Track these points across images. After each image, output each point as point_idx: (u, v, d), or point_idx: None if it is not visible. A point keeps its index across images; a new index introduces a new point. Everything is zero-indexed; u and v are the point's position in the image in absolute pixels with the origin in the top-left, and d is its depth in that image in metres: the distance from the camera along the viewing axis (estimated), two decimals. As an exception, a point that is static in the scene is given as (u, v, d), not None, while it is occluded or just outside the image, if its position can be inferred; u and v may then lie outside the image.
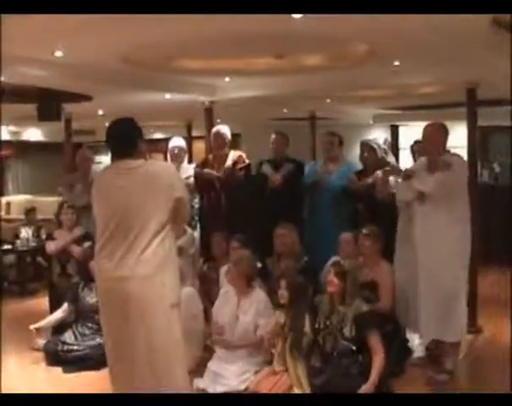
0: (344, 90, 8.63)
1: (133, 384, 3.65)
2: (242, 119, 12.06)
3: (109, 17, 4.12)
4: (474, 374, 5.61)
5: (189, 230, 6.68)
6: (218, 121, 8.42)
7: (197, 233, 7.04)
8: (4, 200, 13.61)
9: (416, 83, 7.95)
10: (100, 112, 10.07)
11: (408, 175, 5.37)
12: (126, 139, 3.81)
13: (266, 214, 6.61)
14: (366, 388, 4.41)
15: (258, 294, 5.38)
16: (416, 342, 5.80)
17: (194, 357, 5.38)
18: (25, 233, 9.48)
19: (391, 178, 5.93)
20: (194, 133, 12.09)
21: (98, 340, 5.61)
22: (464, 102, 6.96)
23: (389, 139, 9.05)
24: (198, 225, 7.11)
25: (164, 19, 4.27)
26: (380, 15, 4.10)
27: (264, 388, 4.75)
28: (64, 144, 9.52)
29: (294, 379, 4.81)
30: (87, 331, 6.01)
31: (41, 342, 6.14)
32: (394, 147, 12.25)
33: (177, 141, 7.42)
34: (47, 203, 10.88)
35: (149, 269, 3.61)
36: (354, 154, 7.52)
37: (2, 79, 5.97)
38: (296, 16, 4.37)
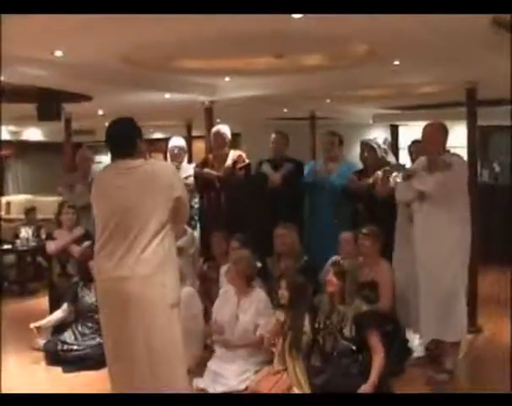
0: (344, 90, 8.63)
1: (132, 384, 3.65)
2: (242, 119, 12.06)
3: (109, 17, 4.12)
4: (474, 373, 5.61)
5: (189, 230, 6.68)
6: (218, 121, 8.42)
7: (197, 233, 7.04)
8: (4, 199, 13.61)
9: (415, 82, 7.95)
10: (100, 112, 10.07)
11: (408, 175, 5.37)
12: (125, 138, 3.81)
13: (266, 214, 6.61)
14: (366, 388, 4.41)
15: (258, 294, 5.38)
16: (416, 341, 5.80)
17: (194, 357, 5.38)
18: (25, 232, 9.48)
19: (391, 178, 5.92)
20: (194, 132, 12.09)
21: (98, 340, 5.62)
22: (464, 102, 6.96)
23: (389, 138, 9.04)
24: (198, 225, 7.11)
25: (164, 19, 4.27)
26: (380, 15, 4.10)
27: (264, 388, 4.75)
28: (64, 144, 9.52)
29: (293, 378, 4.82)
30: (87, 331, 6.01)
31: (41, 341, 6.14)
32: (394, 147, 12.24)
33: (177, 141, 7.41)
34: (47, 203, 10.89)
35: (149, 269, 3.60)
36: (354, 153, 7.52)
37: (2, 78, 5.96)
38: (296, 16, 4.38)
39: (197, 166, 7.10)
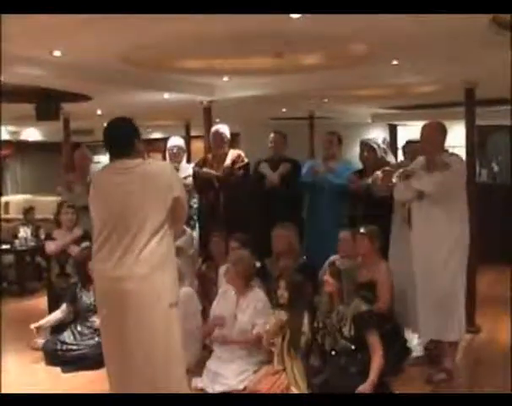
0: (342, 90, 8.63)
1: (131, 384, 3.65)
2: (241, 119, 12.06)
3: (107, 17, 4.12)
4: (473, 373, 5.60)
5: (188, 230, 6.68)
6: (217, 120, 8.42)
7: (196, 233, 7.04)
8: (3, 199, 13.60)
9: (414, 82, 7.95)
10: (99, 112, 10.08)
11: (407, 175, 5.37)
12: (123, 138, 3.80)
13: (265, 213, 6.62)
14: (365, 387, 4.40)
15: (257, 294, 5.38)
16: (414, 341, 5.80)
17: (193, 356, 5.38)
18: (24, 232, 9.48)
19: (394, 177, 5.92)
20: (193, 132, 12.09)
21: (97, 339, 5.62)
22: (462, 102, 6.97)
23: (388, 138, 9.05)
24: (197, 225, 7.11)
25: (163, 19, 4.27)
26: (378, 15, 4.10)
27: (263, 388, 4.75)
28: (63, 143, 9.53)
29: (291, 378, 4.82)
30: (86, 331, 6.01)
31: (40, 341, 6.15)
32: (393, 146, 12.25)
33: (176, 141, 7.41)
34: (46, 202, 10.88)
35: (148, 269, 3.60)
36: (353, 153, 7.52)
37: (2, 78, 5.96)
38: (295, 16, 4.38)
39: (196, 165, 7.09)
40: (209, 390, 5.00)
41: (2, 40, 4.46)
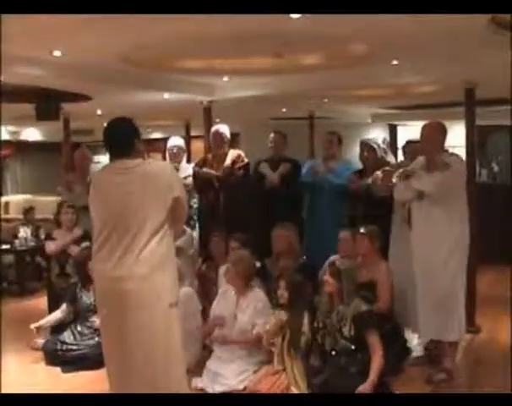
0: (342, 90, 8.63)
1: (131, 384, 3.65)
2: (241, 119, 12.06)
3: (107, 17, 4.12)
4: (473, 373, 5.60)
5: (188, 230, 6.68)
6: (217, 120, 8.42)
7: (196, 233, 7.04)
8: (3, 199, 13.60)
9: (414, 82, 7.95)
10: (99, 112, 10.08)
11: (407, 175, 5.37)
12: (123, 138, 3.80)
13: (265, 213, 6.61)
14: (364, 388, 4.40)
15: (257, 294, 5.38)
16: (414, 341, 5.80)
17: (193, 356, 5.38)
18: (24, 232, 9.48)
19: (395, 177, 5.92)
20: (193, 132, 12.09)
21: (97, 339, 5.61)
22: (462, 102, 6.97)
23: (388, 138, 9.05)
24: (197, 225, 7.11)
25: (162, 19, 4.27)
26: (378, 15, 4.10)
27: (263, 388, 4.75)
28: (63, 143, 9.53)
29: (291, 378, 4.82)
30: (86, 331, 6.00)
31: (40, 341, 6.15)
32: (393, 146, 12.25)
33: (176, 141, 7.41)
34: (46, 202, 10.88)
35: (148, 269, 3.60)
36: (353, 153, 7.52)
37: (2, 78, 5.96)
38: (295, 16, 4.38)
39: (196, 165, 7.09)
40: (209, 390, 5.01)
41: (2, 40, 4.46)
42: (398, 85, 8.24)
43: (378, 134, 9.96)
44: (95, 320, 5.75)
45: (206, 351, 5.58)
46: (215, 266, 6.32)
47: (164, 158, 8.21)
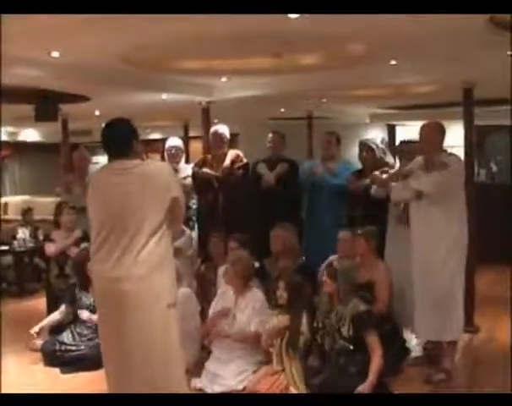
0: (341, 90, 8.63)
1: (129, 384, 3.65)
2: (240, 119, 12.07)
3: (106, 17, 4.12)
4: (472, 373, 5.61)
5: (187, 231, 6.67)
6: (215, 121, 8.42)
7: (195, 234, 7.04)
8: (1, 200, 13.60)
9: (413, 82, 7.96)
10: (97, 113, 10.07)
11: (405, 175, 5.37)
12: (121, 139, 3.80)
13: (263, 214, 6.60)
14: (363, 388, 4.40)
15: (256, 294, 5.37)
16: (413, 341, 5.80)
17: (192, 357, 5.38)
18: (22, 233, 9.47)
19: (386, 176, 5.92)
20: (191, 133, 12.08)
21: (96, 340, 5.59)
22: (460, 102, 6.97)
23: (386, 138, 9.04)
24: (196, 226, 7.10)
25: (160, 19, 4.27)
26: (377, 15, 4.10)
27: (262, 388, 4.75)
28: (61, 144, 9.52)
29: (290, 379, 4.82)
30: (85, 332, 5.99)
31: (39, 342, 6.14)
32: (391, 146, 12.23)
33: (174, 141, 7.40)
34: (44, 203, 10.88)
35: (146, 269, 3.60)
36: (351, 153, 7.52)
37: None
38: (293, 16, 4.38)
39: (195, 165, 7.09)
40: (208, 390, 5.00)
41: (1, 40, 4.46)
42: (396, 85, 8.25)
43: (376, 135, 9.94)
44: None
45: (205, 352, 5.58)
46: (213, 267, 6.32)
47: (162, 159, 8.20)
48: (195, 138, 11.80)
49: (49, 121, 7.99)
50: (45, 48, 5.41)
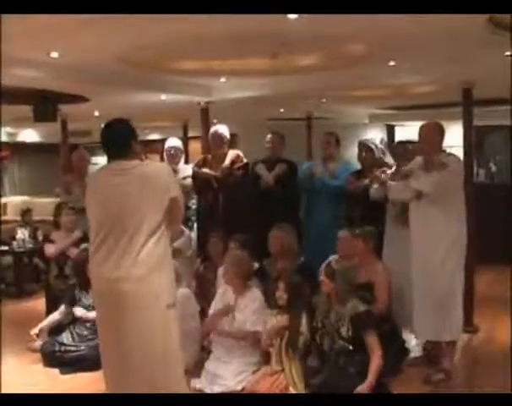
0: (340, 90, 8.63)
1: (129, 384, 3.65)
2: (239, 119, 12.06)
3: (105, 18, 4.12)
4: (471, 373, 5.61)
5: (187, 231, 6.67)
6: (214, 121, 8.42)
7: (194, 234, 7.03)
8: (1, 201, 13.58)
9: (412, 82, 7.95)
10: (96, 114, 10.07)
11: (405, 175, 5.37)
12: (120, 140, 3.81)
13: (262, 214, 6.60)
14: (363, 388, 4.40)
15: (255, 294, 5.37)
16: (413, 341, 5.79)
17: (191, 357, 5.38)
18: (22, 234, 9.46)
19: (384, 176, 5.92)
20: (190, 133, 12.07)
21: (95, 341, 5.57)
22: (460, 102, 6.97)
23: (386, 138, 9.04)
24: (195, 226, 7.10)
25: (159, 20, 4.27)
26: (376, 15, 4.10)
27: (262, 388, 4.75)
28: (60, 145, 9.52)
29: (289, 378, 4.82)
30: (85, 332, 5.99)
31: (38, 343, 6.14)
32: (391, 147, 12.23)
33: (174, 142, 7.40)
34: (44, 204, 10.88)
35: (145, 270, 3.61)
36: (350, 154, 7.52)
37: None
38: (292, 16, 4.38)
39: (195, 165, 7.08)
40: (208, 391, 5.00)
41: (1, 41, 4.46)
42: (396, 86, 8.25)
43: (375, 135, 9.98)
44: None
45: (204, 352, 5.58)
46: (213, 267, 6.31)
47: (162, 159, 8.21)
48: (194, 138, 11.79)
49: (48, 121, 7.99)
50: (44, 48, 5.41)
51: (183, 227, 6.40)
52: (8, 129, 13.52)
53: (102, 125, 3.92)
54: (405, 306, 5.52)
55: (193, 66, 6.63)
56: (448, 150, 5.39)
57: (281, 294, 5.06)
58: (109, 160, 3.89)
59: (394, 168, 5.96)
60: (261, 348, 5.16)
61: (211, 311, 5.48)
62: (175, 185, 3.87)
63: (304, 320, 4.98)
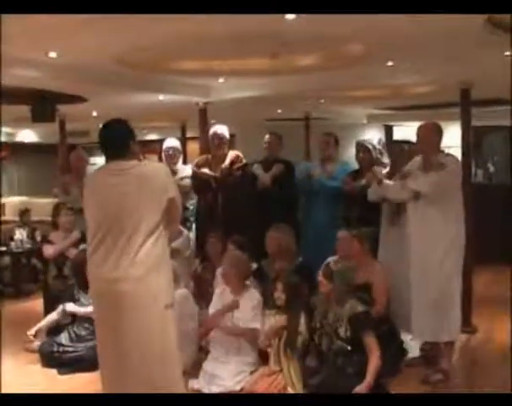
0: (338, 90, 8.64)
1: (127, 385, 3.65)
2: (237, 120, 12.05)
3: (104, 18, 4.12)
4: (469, 373, 5.61)
5: (185, 232, 6.67)
6: (212, 122, 8.42)
7: (192, 234, 7.03)
8: (-1, 201, 13.60)
9: (410, 83, 7.96)
10: (94, 114, 10.07)
11: (404, 175, 5.37)
12: (118, 140, 3.81)
13: (260, 215, 6.59)
14: (361, 388, 4.40)
15: (252, 294, 5.38)
16: (411, 342, 5.79)
17: (189, 358, 5.38)
18: (20, 234, 9.45)
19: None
20: (188, 134, 12.08)
21: (94, 342, 5.56)
22: (458, 102, 6.97)
23: (384, 139, 9.03)
24: (194, 226, 7.09)
25: (157, 20, 4.27)
26: (375, 15, 4.10)
27: (260, 388, 4.75)
28: (59, 145, 9.51)
29: (288, 378, 4.82)
30: (83, 333, 5.97)
31: (36, 343, 6.13)
32: (389, 147, 12.23)
33: (172, 142, 7.39)
34: (42, 204, 10.87)
35: (143, 270, 3.60)
36: (349, 154, 7.52)
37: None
38: (290, 16, 4.38)
39: (195, 165, 7.07)
40: (206, 391, 4.99)
41: (1, 41, 4.46)
42: (394, 86, 8.26)
43: (373, 135, 9.97)
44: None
45: (202, 352, 5.57)
46: (211, 268, 6.30)
47: (160, 160, 8.20)
48: (192, 139, 11.79)
49: (46, 122, 7.98)
50: (42, 49, 5.41)
51: (182, 228, 6.40)
52: (7, 130, 13.50)
53: (100, 125, 3.92)
54: (404, 307, 5.52)
55: (193, 66, 6.63)
56: (446, 151, 5.39)
57: (279, 295, 5.07)
58: (107, 160, 3.89)
59: (388, 168, 5.97)
60: (259, 348, 5.15)
61: (211, 312, 5.47)
62: (173, 186, 3.87)
63: (302, 321, 4.98)
